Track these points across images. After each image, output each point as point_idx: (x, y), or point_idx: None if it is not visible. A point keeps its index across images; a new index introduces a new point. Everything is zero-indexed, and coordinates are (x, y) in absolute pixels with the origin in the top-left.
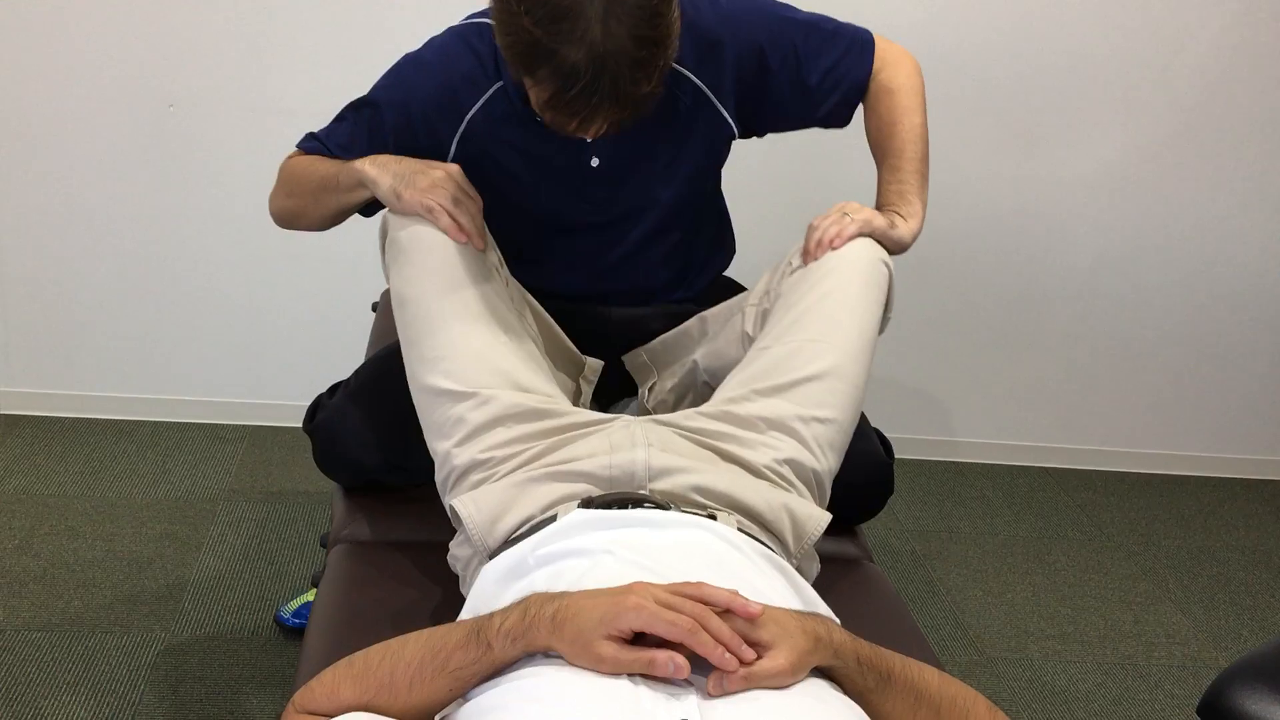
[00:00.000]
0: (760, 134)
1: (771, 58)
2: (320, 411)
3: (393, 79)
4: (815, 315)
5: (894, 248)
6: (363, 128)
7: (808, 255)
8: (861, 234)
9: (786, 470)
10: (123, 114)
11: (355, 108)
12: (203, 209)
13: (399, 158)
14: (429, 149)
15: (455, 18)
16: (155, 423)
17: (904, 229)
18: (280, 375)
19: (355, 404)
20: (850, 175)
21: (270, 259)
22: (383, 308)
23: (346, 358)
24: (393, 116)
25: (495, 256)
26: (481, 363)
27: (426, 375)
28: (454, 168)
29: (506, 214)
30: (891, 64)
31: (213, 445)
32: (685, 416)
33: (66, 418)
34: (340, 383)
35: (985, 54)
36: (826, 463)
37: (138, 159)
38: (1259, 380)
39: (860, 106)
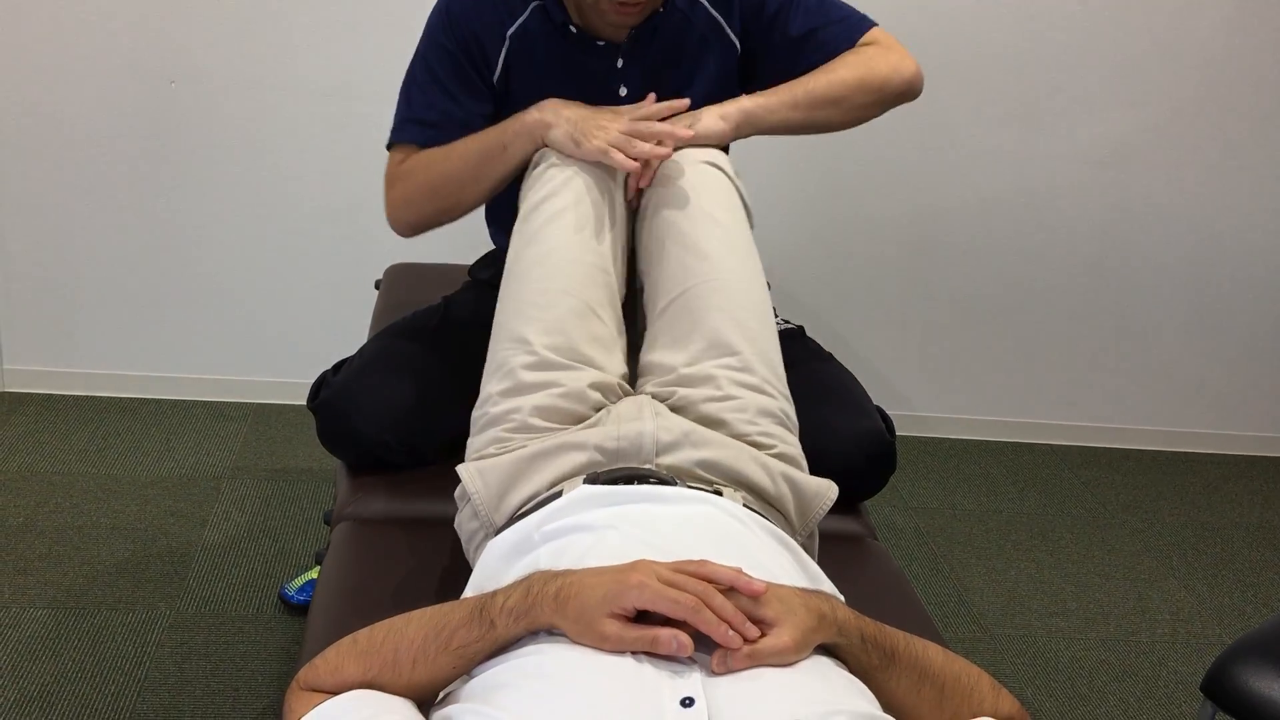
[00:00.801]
0: (750, 83)
1: (770, 1)
2: (325, 389)
3: (434, 17)
4: (678, 258)
5: (707, 143)
6: (446, 72)
7: (632, 198)
8: (661, 157)
9: (766, 422)
10: (124, 90)
11: (422, 66)
12: (205, 186)
13: (567, 102)
14: (481, 70)
15: None
16: (159, 400)
17: (707, 119)
18: (284, 353)
19: (360, 381)
20: (854, 150)
21: (273, 236)
22: (385, 286)
23: (350, 335)
24: (453, 44)
25: (630, 228)
26: (566, 331)
27: (513, 315)
28: (626, 115)
29: None
30: (881, 45)
31: (216, 423)
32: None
33: (70, 395)
34: (345, 360)
35: (987, 30)
36: (782, 394)
37: (140, 135)
38: (1263, 357)
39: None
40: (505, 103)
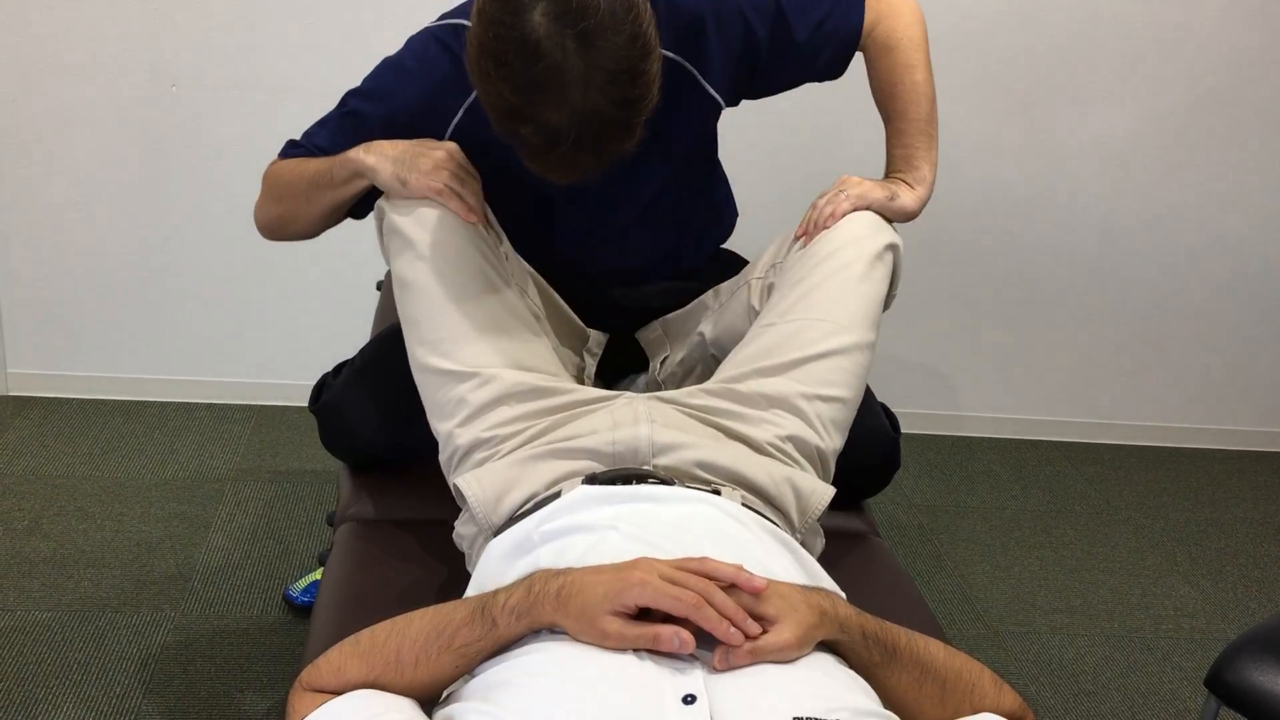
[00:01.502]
0: (756, 97)
1: (757, 26)
2: (326, 391)
3: (374, 87)
4: (820, 294)
5: (899, 218)
6: (347, 135)
7: (805, 235)
8: (858, 209)
9: (789, 447)
10: (125, 94)
11: (339, 115)
12: (207, 188)
13: (393, 141)
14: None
15: None
16: (162, 403)
17: (907, 198)
18: (286, 355)
19: (361, 383)
20: (855, 141)
21: None
22: (387, 286)
23: (352, 337)
24: (379, 128)
25: (496, 233)
26: (482, 342)
27: (427, 356)
28: (452, 146)
29: (499, 202)
30: (888, 15)
31: (220, 425)
32: (688, 394)
33: (74, 399)
34: (346, 362)
35: (991, 23)
36: (830, 441)
37: (141, 139)
38: (1267, 352)
39: (862, 58)
40: None
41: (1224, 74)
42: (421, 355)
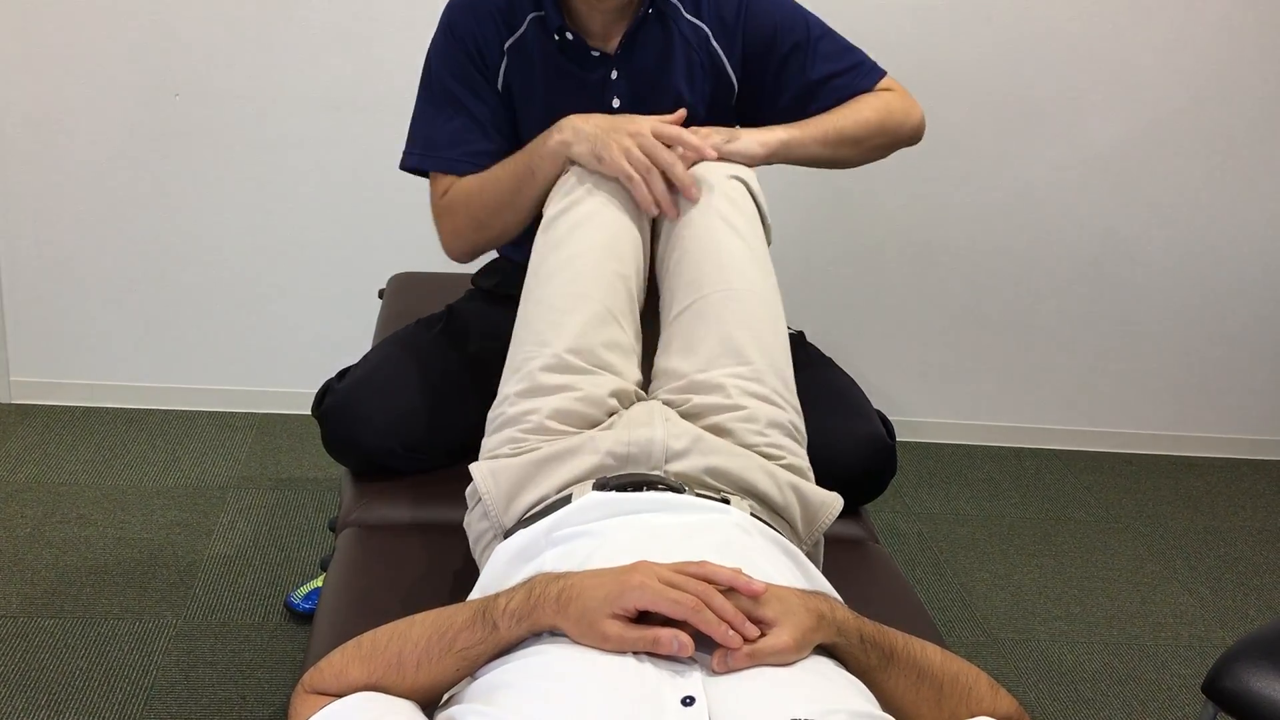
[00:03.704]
0: (752, 117)
1: (782, 41)
2: (329, 396)
3: (437, 36)
4: (696, 265)
5: (742, 160)
6: (460, 86)
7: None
8: (694, 165)
9: (775, 434)
10: (129, 103)
11: (437, 85)
12: (209, 197)
13: (586, 116)
14: (490, 78)
15: None
16: (165, 411)
17: (746, 138)
18: (288, 362)
19: (364, 388)
20: None
21: (277, 246)
22: (389, 294)
23: (354, 345)
24: (460, 54)
25: (648, 232)
26: (586, 335)
27: (539, 318)
28: (649, 124)
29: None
30: (897, 92)
31: (222, 433)
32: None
33: (76, 407)
34: (348, 367)
35: (985, 34)
36: (792, 407)
37: (144, 148)
38: (1265, 361)
39: None
40: (512, 112)
41: (1221, 80)
42: (531, 312)
